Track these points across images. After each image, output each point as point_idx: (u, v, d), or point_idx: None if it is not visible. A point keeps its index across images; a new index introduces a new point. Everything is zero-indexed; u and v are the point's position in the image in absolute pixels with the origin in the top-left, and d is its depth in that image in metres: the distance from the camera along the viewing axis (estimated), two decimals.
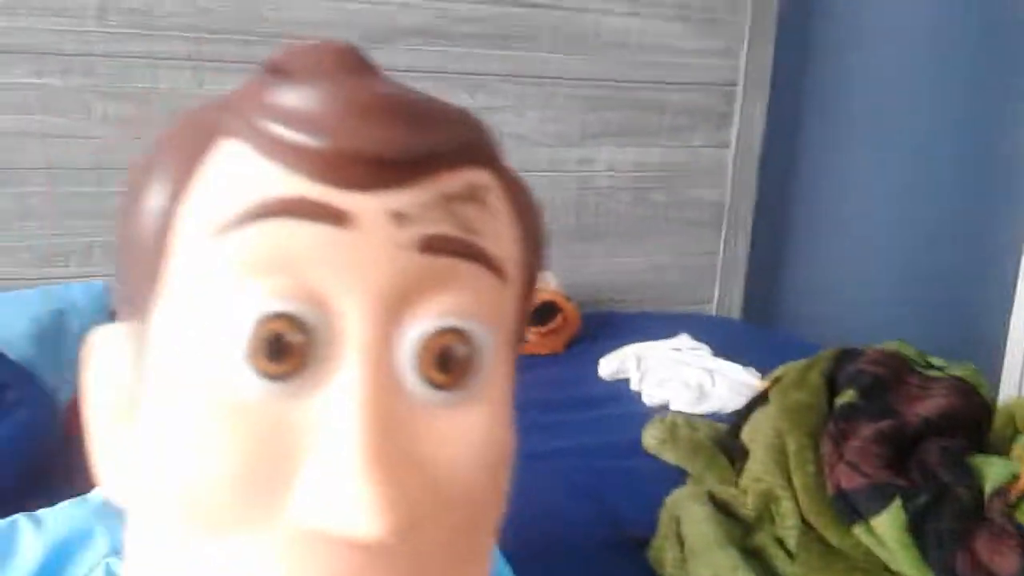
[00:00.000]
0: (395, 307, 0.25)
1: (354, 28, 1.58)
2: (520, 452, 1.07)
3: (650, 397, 1.35)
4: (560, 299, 1.56)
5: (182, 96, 1.51)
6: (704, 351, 1.50)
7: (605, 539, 0.95)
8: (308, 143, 0.25)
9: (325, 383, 0.25)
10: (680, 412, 1.27)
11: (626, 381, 1.42)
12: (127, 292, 0.29)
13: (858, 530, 0.90)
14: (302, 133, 0.25)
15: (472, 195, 0.27)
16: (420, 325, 0.26)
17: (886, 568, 0.88)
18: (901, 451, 0.93)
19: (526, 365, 1.39)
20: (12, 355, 0.93)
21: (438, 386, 0.26)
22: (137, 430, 0.27)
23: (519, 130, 1.73)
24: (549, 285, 1.61)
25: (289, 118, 0.26)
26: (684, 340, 1.54)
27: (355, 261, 0.25)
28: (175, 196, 0.27)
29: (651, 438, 1.16)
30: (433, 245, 0.26)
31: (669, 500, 0.97)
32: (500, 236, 0.29)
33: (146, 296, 0.27)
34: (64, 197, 1.49)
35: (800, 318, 2.19)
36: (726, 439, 1.11)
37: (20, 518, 0.61)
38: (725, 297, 1.97)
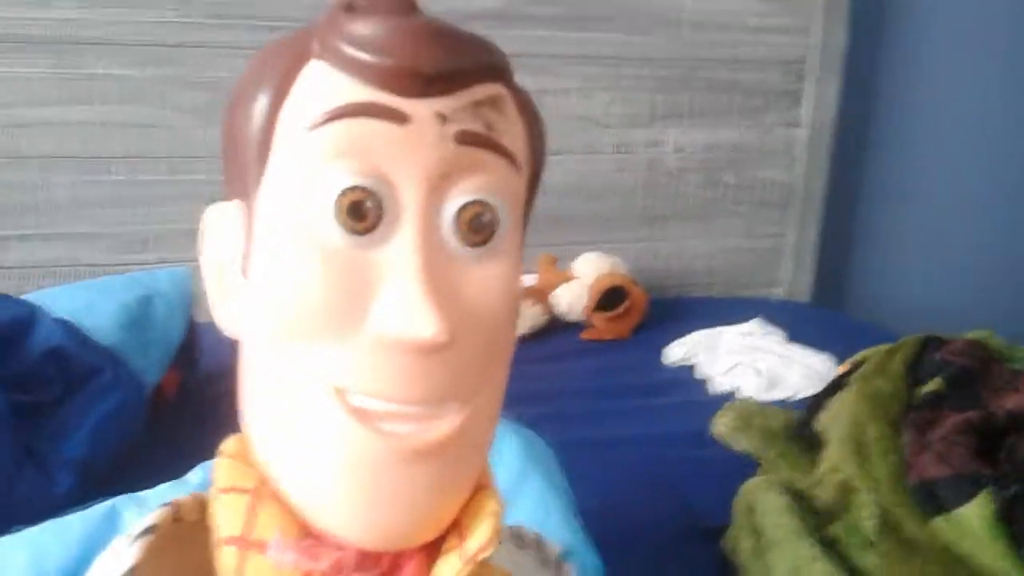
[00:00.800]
0: (439, 184, 0.34)
1: (433, 14, 1.58)
2: (587, 438, 1.07)
3: (719, 384, 1.34)
4: (628, 283, 1.55)
5: None
6: (778, 336, 1.48)
7: (677, 528, 0.95)
8: (377, 62, 0.33)
9: (391, 237, 0.34)
10: (751, 399, 1.25)
11: (692, 368, 1.41)
12: (234, 177, 0.37)
13: (939, 521, 0.88)
14: (372, 54, 0.33)
15: (494, 103, 0.36)
16: (457, 198, 0.34)
17: (966, 560, 0.86)
18: (987, 442, 0.91)
19: (592, 350, 1.40)
20: (103, 341, 0.96)
21: (470, 244, 0.35)
22: (249, 276, 0.36)
23: (587, 112, 1.72)
24: (617, 269, 1.61)
25: (363, 44, 0.34)
26: (757, 325, 1.52)
27: (411, 149, 0.33)
28: (276, 103, 0.35)
29: (723, 425, 1.15)
30: (466, 139, 0.34)
31: (743, 489, 0.96)
32: (514, 136, 0.37)
33: (253, 178, 0.36)
34: (143, 185, 1.53)
35: (871, 303, 2.15)
36: (801, 427, 1.10)
37: (121, 500, 0.63)
38: (795, 281, 1.94)
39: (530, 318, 1.52)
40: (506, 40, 1.54)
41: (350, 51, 0.34)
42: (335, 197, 0.33)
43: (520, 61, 1.48)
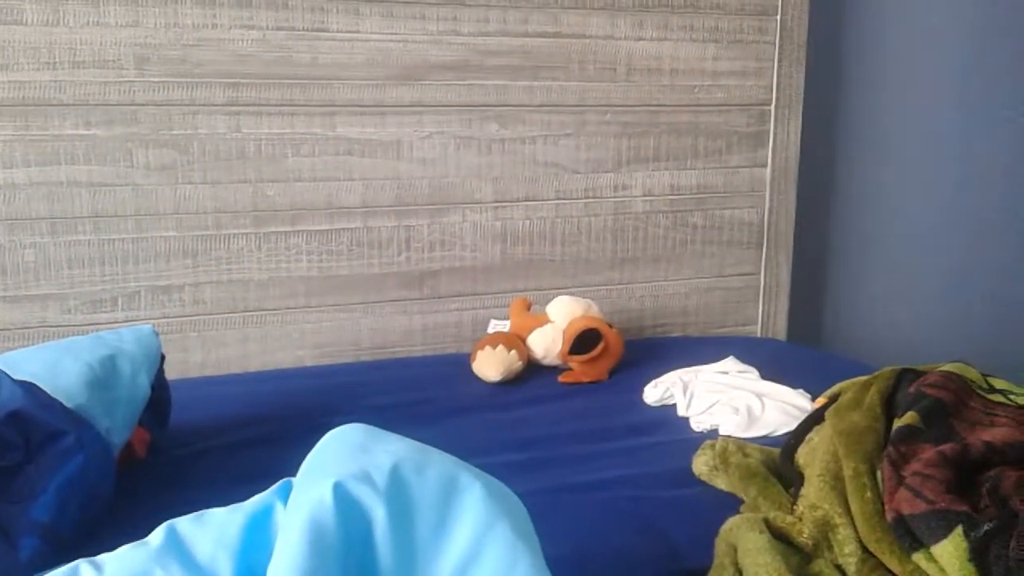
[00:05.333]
0: None
1: (388, 67, 1.60)
2: (567, 482, 1.06)
3: (698, 423, 1.33)
4: (602, 326, 1.55)
5: (220, 140, 1.54)
6: (753, 374, 1.48)
7: (660, 569, 0.94)
8: None
9: None
10: (730, 437, 1.25)
11: (673, 407, 1.41)
12: None
13: (919, 557, 0.87)
14: None
15: None
16: None
17: None
18: (963, 476, 0.91)
19: (570, 393, 1.40)
20: (68, 402, 0.94)
21: None
22: None
23: (554, 159, 1.74)
24: (591, 311, 1.61)
25: None
26: (731, 363, 1.52)
27: None
28: None
29: (702, 464, 1.15)
30: None
31: (724, 528, 0.95)
32: None
33: None
34: (110, 243, 1.52)
35: (846, 337, 2.16)
36: (780, 463, 1.09)
37: (81, 563, 0.61)
38: (769, 318, 1.95)
39: (506, 363, 1.52)
40: (469, 91, 1.58)
41: None
42: None
43: (487, 111, 1.52)
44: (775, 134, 1.88)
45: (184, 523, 0.64)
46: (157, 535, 0.63)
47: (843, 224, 2.15)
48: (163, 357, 1.19)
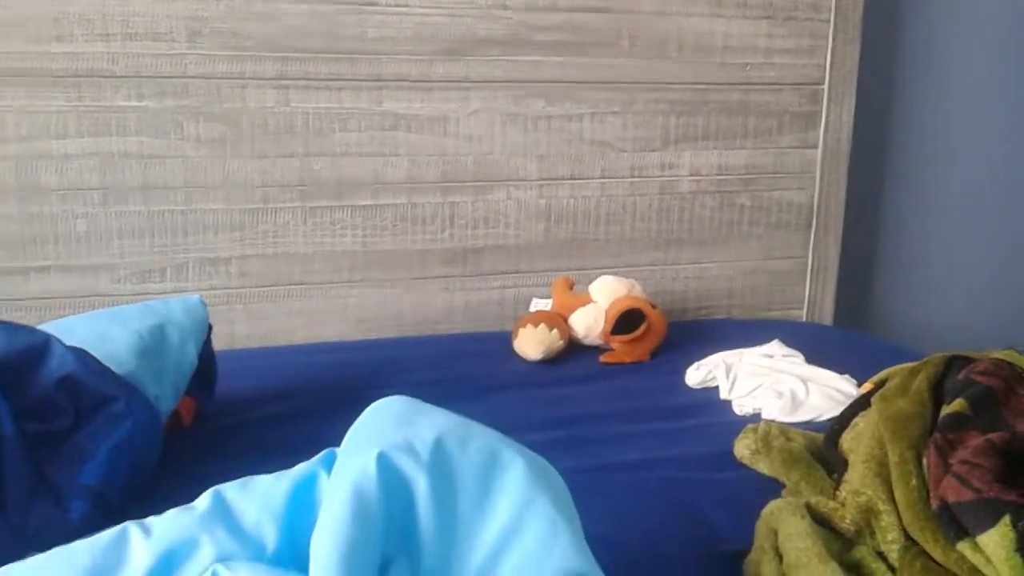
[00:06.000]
0: None
1: (436, 42, 1.60)
2: (607, 462, 1.06)
3: (741, 406, 1.32)
4: (645, 306, 1.54)
5: (268, 114, 1.55)
6: (798, 358, 1.46)
7: (698, 551, 0.93)
8: None
9: None
10: (773, 421, 1.23)
11: (715, 390, 1.40)
12: None
13: (963, 546, 0.86)
14: None
15: None
16: None
17: None
18: (1011, 466, 0.89)
19: (611, 374, 1.40)
20: (117, 369, 0.96)
21: None
22: None
23: (600, 137, 1.72)
24: (635, 292, 1.60)
25: None
26: (776, 347, 1.50)
27: None
28: None
29: (744, 448, 1.14)
30: None
31: (765, 512, 0.94)
32: None
33: None
34: (159, 215, 1.54)
35: (894, 323, 2.12)
36: (824, 448, 1.08)
37: (129, 526, 0.63)
38: (815, 302, 1.93)
39: (547, 342, 1.51)
40: (516, 67, 1.57)
41: None
42: None
43: (534, 88, 1.51)
44: (827, 114, 1.85)
45: (230, 489, 0.65)
46: (203, 500, 0.64)
47: (894, 207, 2.11)
48: (210, 327, 1.20)
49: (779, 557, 0.87)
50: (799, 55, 1.81)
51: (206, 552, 0.60)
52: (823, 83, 1.83)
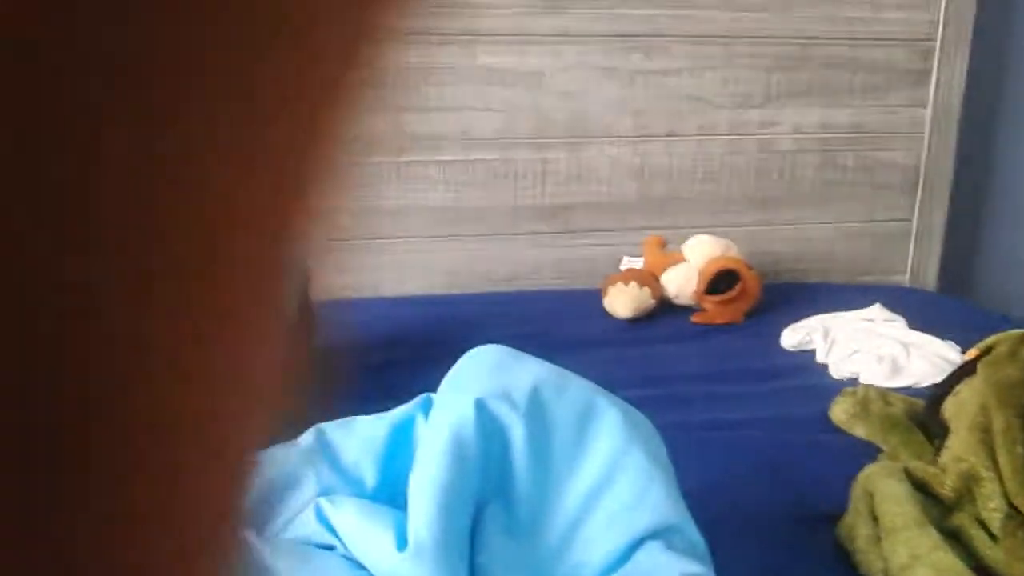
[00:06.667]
0: None
1: None
2: (698, 420, 1.05)
3: (838, 370, 1.29)
4: (741, 267, 1.52)
5: None
6: (899, 323, 1.42)
7: (791, 512, 0.92)
8: None
9: None
10: (872, 385, 1.20)
11: (811, 353, 1.37)
12: None
13: None
14: None
15: None
16: None
17: None
18: None
19: (703, 334, 1.38)
20: None
21: None
22: None
23: (698, 92, 1.69)
24: (730, 252, 1.57)
25: None
26: (877, 311, 1.46)
27: None
28: None
29: (841, 412, 1.12)
30: None
31: (862, 475, 0.93)
32: None
33: None
34: None
35: (1000, 290, 2.03)
36: (925, 414, 1.05)
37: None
38: (919, 267, 1.86)
39: (638, 300, 1.51)
40: (613, 20, 1.53)
41: None
42: None
43: (630, 41, 1.48)
44: (939, 72, 1.76)
45: (332, 427, 0.68)
46: (307, 437, 0.67)
47: (1005, 170, 2.01)
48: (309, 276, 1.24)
49: (875, 520, 0.85)
50: (911, 9, 1.72)
51: (309, 486, 0.63)
52: (935, 39, 1.75)
